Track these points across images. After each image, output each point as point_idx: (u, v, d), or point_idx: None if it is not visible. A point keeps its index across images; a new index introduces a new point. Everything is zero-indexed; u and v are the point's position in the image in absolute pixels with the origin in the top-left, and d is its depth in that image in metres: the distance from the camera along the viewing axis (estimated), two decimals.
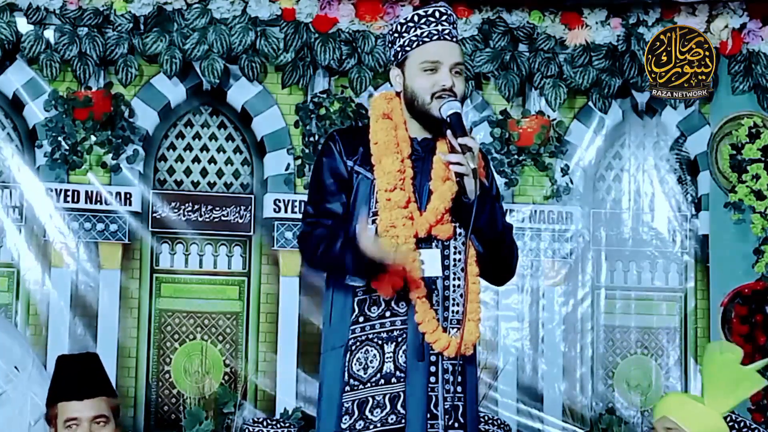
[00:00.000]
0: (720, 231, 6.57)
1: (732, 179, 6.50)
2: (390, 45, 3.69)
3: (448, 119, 3.51)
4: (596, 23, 6.50)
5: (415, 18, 3.62)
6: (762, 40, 6.56)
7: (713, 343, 4.27)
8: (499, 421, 5.76)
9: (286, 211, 6.33)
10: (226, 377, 6.32)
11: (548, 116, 6.52)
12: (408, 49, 3.61)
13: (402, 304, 3.53)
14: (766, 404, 6.29)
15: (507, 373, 6.46)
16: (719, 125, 6.58)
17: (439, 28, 3.60)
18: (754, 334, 6.31)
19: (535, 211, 6.57)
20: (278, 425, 5.70)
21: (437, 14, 3.62)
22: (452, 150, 3.50)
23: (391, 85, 3.72)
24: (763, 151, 6.48)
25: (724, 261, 6.55)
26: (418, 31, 3.60)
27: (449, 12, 3.64)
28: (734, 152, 6.50)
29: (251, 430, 5.61)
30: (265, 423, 5.68)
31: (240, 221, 6.38)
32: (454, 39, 3.62)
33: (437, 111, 3.55)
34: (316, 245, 3.54)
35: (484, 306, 6.41)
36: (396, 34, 3.65)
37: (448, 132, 3.50)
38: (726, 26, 6.51)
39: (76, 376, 4.17)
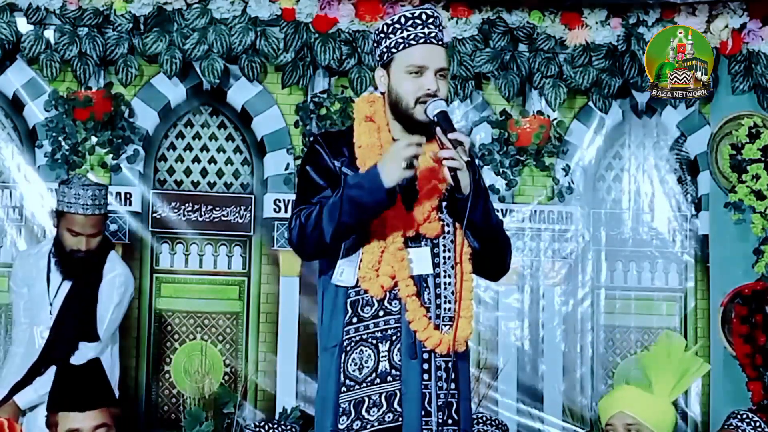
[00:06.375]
0: (720, 231, 6.57)
1: (732, 179, 6.51)
2: (376, 45, 3.68)
3: (434, 118, 3.51)
4: (596, 23, 6.50)
5: (402, 20, 3.60)
6: (762, 40, 6.56)
7: (663, 334, 4.30)
8: (497, 422, 5.76)
9: (286, 211, 6.34)
10: (226, 377, 6.32)
11: (548, 116, 6.53)
12: (394, 51, 3.59)
13: (395, 303, 3.53)
14: (767, 404, 6.29)
15: (507, 373, 6.46)
16: (719, 125, 6.58)
17: (426, 31, 3.58)
18: (754, 334, 6.31)
19: (535, 211, 6.57)
20: (278, 427, 5.69)
21: (424, 17, 3.60)
22: (443, 147, 3.49)
23: (374, 88, 3.72)
24: (763, 151, 6.48)
25: (724, 261, 6.55)
26: (405, 34, 3.58)
27: (436, 14, 3.63)
28: (734, 152, 6.50)
29: None
30: (266, 427, 5.67)
31: (240, 221, 6.38)
32: (440, 42, 3.61)
33: (421, 115, 3.54)
34: (307, 215, 3.50)
35: (484, 306, 6.48)
36: (382, 35, 3.63)
37: (438, 129, 3.50)
38: (726, 26, 6.51)
39: (77, 386, 4.18)
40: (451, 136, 3.45)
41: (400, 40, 3.59)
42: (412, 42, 3.58)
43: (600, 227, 6.66)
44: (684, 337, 6.60)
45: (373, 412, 3.48)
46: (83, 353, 5.04)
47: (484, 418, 5.64)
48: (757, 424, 5.10)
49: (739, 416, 5.15)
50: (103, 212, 5.28)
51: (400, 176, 3.42)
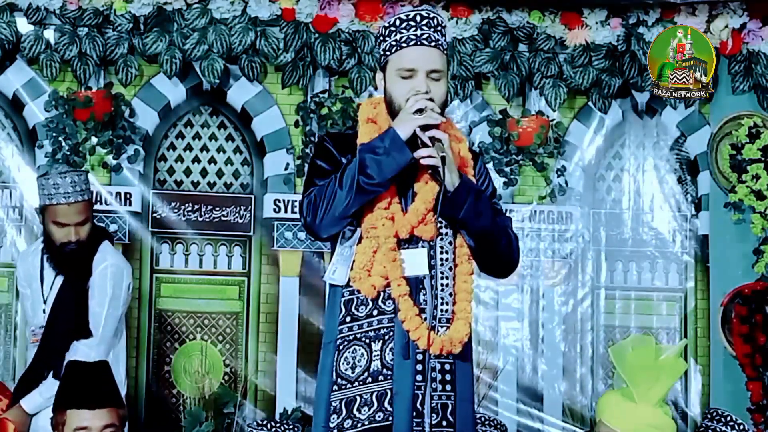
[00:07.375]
0: (720, 231, 6.57)
1: (732, 179, 6.50)
2: (377, 48, 3.70)
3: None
4: (596, 23, 6.50)
5: (397, 22, 3.61)
6: (762, 40, 6.56)
7: (620, 343, 4.30)
8: (495, 422, 5.76)
9: (286, 211, 6.34)
10: (226, 377, 6.32)
11: (548, 116, 6.53)
12: (388, 53, 3.61)
13: (389, 303, 3.54)
14: (766, 404, 6.29)
15: (507, 373, 6.47)
16: (719, 125, 6.58)
17: (418, 32, 3.58)
18: (754, 334, 6.31)
19: (535, 211, 6.57)
20: (279, 427, 5.70)
21: (418, 18, 3.60)
22: (423, 145, 3.51)
23: (375, 88, 3.74)
24: (763, 151, 6.48)
25: (724, 261, 6.55)
26: (398, 36, 3.60)
27: (432, 16, 3.62)
28: (734, 152, 6.50)
29: None
30: (268, 426, 5.67)
31: (240, 221, 6.38)
32: (434, 43, 3.60)
33: None
34: (320, 188, 3.53)
35: (484, 306, 6.48)
36: (380, 38, 3.66)
37: (417, 129, 3.52)
38: (726, 26, 6.51)
39: (87, 384, 4.16)
40: (428, 133, 3.48)
41: (393, 43, 3.61)
42: (404, 45, 3.59)
43: (600, 227, 6.66)
44: (684, 337, 6.61)
45: (364, 411, 3.49)
46: (82, 352, 4.98)
47: (483, 419, 5.65)
48: (728, 419, 5.13)
49: (709, 415, 5.18)
50: (86, 198, 5.14)
51: (412, 124, 3.47)
